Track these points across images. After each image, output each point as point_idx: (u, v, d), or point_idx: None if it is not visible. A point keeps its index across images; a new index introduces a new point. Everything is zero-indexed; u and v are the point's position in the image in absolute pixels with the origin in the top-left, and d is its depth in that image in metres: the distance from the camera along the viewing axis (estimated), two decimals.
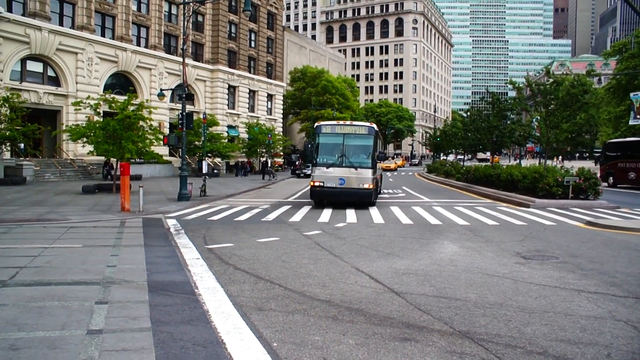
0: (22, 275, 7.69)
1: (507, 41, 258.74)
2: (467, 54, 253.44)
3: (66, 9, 37.80)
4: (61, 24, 37.23)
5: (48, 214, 15.76)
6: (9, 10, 33.46)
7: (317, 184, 19.55)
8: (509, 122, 36.20)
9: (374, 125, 20.31)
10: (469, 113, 43.09)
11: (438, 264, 9.29)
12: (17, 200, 20.14)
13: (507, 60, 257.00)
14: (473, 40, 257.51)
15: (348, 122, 21.11)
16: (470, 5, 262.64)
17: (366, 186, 19.13)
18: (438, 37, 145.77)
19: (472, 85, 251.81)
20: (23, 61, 34.97)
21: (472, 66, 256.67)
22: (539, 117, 28.45)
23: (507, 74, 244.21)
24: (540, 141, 29.07)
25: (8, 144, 29.17)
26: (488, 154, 43.98)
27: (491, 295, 7.20)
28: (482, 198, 24.77)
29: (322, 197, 20.00)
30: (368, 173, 19.31)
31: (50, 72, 37.13)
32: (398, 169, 71.83)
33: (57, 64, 36.76)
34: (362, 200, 19.40)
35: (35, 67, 36.01)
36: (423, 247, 11.22)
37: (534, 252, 10.57)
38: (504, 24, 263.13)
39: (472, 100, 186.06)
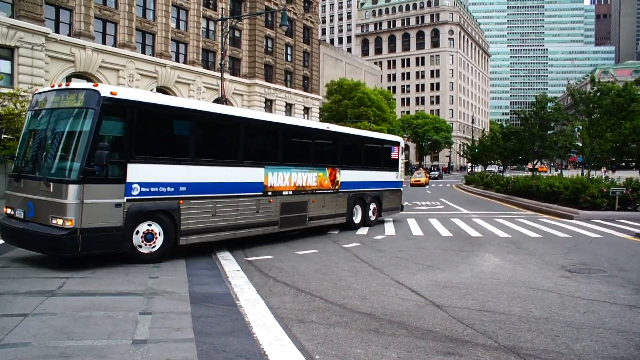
0: (69, 285, 7.90)
1: (547, 49, 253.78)
2: (504, 64, 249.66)
3: (109, 28, 39.10)
4: (104, 42, 38.51)
5: None
6: (56, 31, 34.84)
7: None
8: (550, 132, 35.47)
9: (104, 88, 9.38)
10: (508, 123, 42.42)
11: (480, 277, 9.11)
12: None
13: (547, 69, 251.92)
14: (511, 50, 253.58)
15: (57, 87, 10.13)
16: (508, 14, 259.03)
17: (59, 222, 8.69)
18: (475, 47, 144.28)
19: (511, 95, 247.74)
20: (68, 79, 36.25)
21: (510, 76, 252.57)
22: (580, 127, 27.74)
23: (547, 82, 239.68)
24: (582, 151, 28.28)
25: None
26: (537, 164, 43.09)
27: (536, 309, 7.01)
28: (522, 210, 24.25)
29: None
30: (69, 193, 8.70)
31: None
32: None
33: (100, 81, 37.95)
34: (53, 252, 9.25)
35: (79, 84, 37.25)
36: (464, 259, 11.03)
37: (580, 265, 10.26)
38: (543, 32, 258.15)
39: (510, 111, 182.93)
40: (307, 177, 14.46)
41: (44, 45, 32.92)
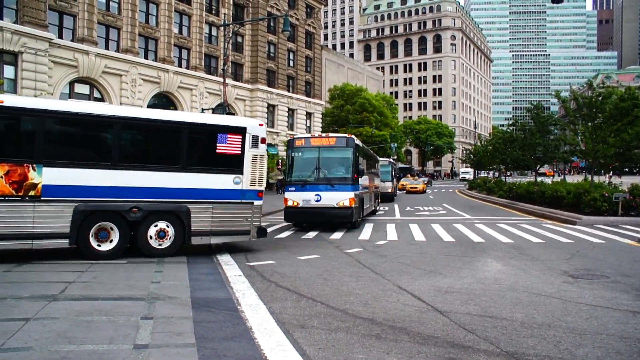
0: (71, 289, 7.91)
1: (549, 55, 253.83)
2: (507, 69, 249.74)
3: (112, 34, 39.27)
4: (107, 47, 38.67)
5: None
6: (60, 36, 35.00)
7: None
8: (551, 137, 35.43)
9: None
10: (511, 128, 42.41)
11: (482, 283, 9.08)
12: None
13: (549, 75, 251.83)
14: (513, 55, 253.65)
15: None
16: (510, 19, 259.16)
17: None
18: (477, 53, 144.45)
19: (513, 101, 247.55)
20: (71, 84, 36.40)
21: (513, 81, 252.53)
22: (583, 131, 27.70)
23: (549, 88, 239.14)
24: (585, 156, 28.23)
25: None
26: (540, 169, 43.02)
27: (538, 315, 6.98)
28: (525, 215, 24.19)
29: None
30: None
31: (96, 94, 38.49)
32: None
33: (103, 86, 38.10)
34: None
35: (82, 89, 37.42)
36: (466, 265, 11.00)
37: (583, 271, 10.22)
38: (545, 38, 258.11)
39: (513, 116, 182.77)
40: None
41: (47, 50, 33.04)
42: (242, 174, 12.11)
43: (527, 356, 5.38)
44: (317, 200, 17.25)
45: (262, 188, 12.47)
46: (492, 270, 10.39)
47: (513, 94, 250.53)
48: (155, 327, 6.03)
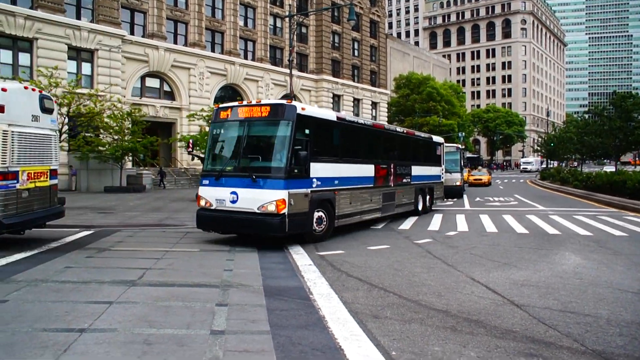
0: (148, 276, 8.20)
1: (631, 36, 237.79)
2: (582, 53, 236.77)
3: (180, 28, 40.52)
4: (175, 42, 39.97)
5: (166, 220, 16.77)
6: (131, 33, 36.49)
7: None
8: (633, 123, 33.41)
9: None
10: (587, 116, 40.35)
11: (560, 277, 8.65)
12: (139, 206, 21.68)
13: (631, 57, 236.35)
14: (589, 38, 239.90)
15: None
16: (586, 0, 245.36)
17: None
18: (549, 37, 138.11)
19: (589, 86, 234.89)
20: (142, 78, 37.91)
21: (589, 65, 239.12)
22: None
23: (631, 72, 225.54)
24: None
25: (130, 154, 31.65)
26: (629, 156, 40.58)
27: (626, 313, 6.53)
28: (605, 207, 22.93)
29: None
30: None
31: (165, 87, 39.90)
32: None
33: (172, 80, 39.41)
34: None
35: (153, 83, 38.90)
36: (542, 257, 10.53)
37: None
38: (627, 17, 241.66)
39: (589, 102, 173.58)
40: None
41: (120, 47, 34.53)
42: None
43: (617, 356, 5.04)
44: (233, 202, 11.48)
45: None
46: (570, 263, 9.88)
47: (589, 79, 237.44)
48: (230, 314, 6.12)
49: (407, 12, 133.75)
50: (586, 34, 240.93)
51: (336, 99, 55.20)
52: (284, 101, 11.88)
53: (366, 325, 5.89)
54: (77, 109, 22.13)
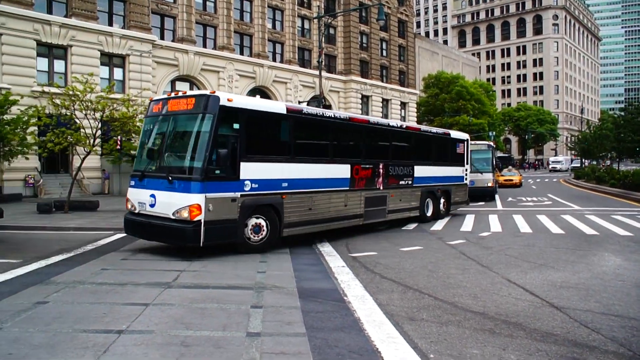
0: (183, 278, 8.26)
1: None
2: (618, 47, 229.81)
3: (209, 32, 40.92)
4: (204, 46, 40.36)
5: None
6: (161, 38, 37.03)
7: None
8: None
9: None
10: (623, 113, 39.22)
11: (601, 278, 8.40)
12: None
13: None
14: (626, 32, 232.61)
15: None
16: None
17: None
18: (583, 32, 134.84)
19: (625, 82, 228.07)
20: (173, 82, 38.42)
21: (625, 60, 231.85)
22: None
23: None
24: None
25: None
26: None
27: None
28: None
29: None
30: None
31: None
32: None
33: (202, 83, 39.82)
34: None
35: (182, 87, 39.36)
36: (580, 258, 10.27)
37: None
38: None
39: (625, 99, 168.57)
40: None
41: (150, 52, 35.06)
42: None
43: None
44: (152, 205, 10.45)
45: None
46: (611, 265, 9.60)
47: (625, 74, 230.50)
48: (265, 316, 6.11)
49: (435, 10, 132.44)
50: (622, 27, 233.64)
51: (365, 100, 54.96)
52: (206, 91, 10.76)
53: (402, 327, 5.81)
54: (111, 113, 22.59)
